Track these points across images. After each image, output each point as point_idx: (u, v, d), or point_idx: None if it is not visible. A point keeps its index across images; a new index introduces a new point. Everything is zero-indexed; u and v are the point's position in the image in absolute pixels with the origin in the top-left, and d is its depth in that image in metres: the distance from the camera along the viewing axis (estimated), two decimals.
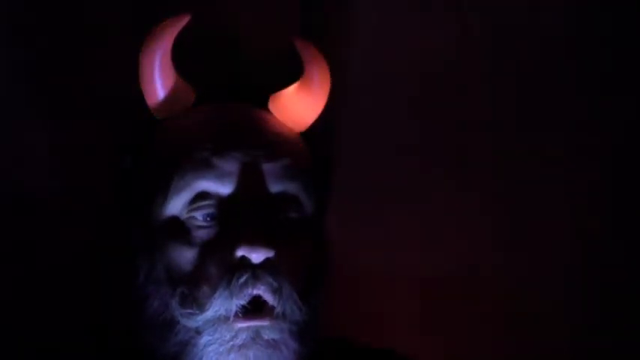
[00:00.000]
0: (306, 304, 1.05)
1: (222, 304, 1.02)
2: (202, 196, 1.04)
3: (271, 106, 1.11)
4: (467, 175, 1.34)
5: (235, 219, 1.03)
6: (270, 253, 1.01)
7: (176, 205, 1.05)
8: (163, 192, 1.05)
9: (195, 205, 1.04)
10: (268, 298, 1.02)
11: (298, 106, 1.10)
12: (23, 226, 1.24)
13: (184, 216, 1.05)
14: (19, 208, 1.24)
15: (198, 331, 1.03)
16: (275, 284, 1.02)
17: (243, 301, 1.02)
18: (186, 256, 1.04)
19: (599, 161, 1.35)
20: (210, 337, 1.03)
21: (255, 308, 1.02)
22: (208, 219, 1.04)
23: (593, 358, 1.35)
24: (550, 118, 1.35)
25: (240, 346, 1.02)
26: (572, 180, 1.35)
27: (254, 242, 1.01)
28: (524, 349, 1.35)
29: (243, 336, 1.02)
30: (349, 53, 1.29)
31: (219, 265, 1.02)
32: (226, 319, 1.02)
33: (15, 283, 1.24)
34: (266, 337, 1.03)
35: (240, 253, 1.01)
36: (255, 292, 1.02)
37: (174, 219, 1.05)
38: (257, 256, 1.01)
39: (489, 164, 1.34)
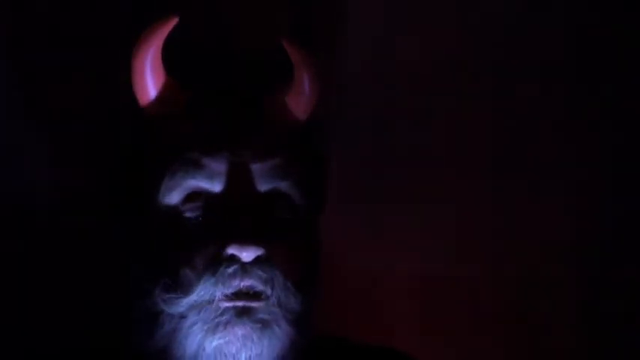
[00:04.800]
0: (302, 294, 1.04)
1: (206, 290, 1.01)
2: (193, 196, 1.04)
3: (263, 106, 1.11)
4: (466, 174, 1.34)
5: (225, 218, 1.03)
6: (259, 251, 1.01)
7: (167, 205, 1.05)
8: (154, 191, 1.05)
9: (186, 206, 1.05)
10: (259, 288, 1.01)
11: (289, 107, 1.10)
12: (23, 226, 1.25)
13: (175, 215, 1.05)
14: (19, 208, 1.25)
15: (182, 316, 1.02)
16: (265, 276, 1.01)
17: (228, 291, 1.00)
18: (174, 253, 1.03)
19: (600, 161, 1.35)
20: (195, 318, 1.01)
21: (244, 293, 1.01)
22: (200, 219, 1.04)
23: (594, 357, 1.35)
24: (550, 118, 1.35)
25: (227, 324, 1.01)
26: (571, 179, 1.35)
27: (244, 241, 1.00)
28: (525, 348, 1.35)
29: (229, 313, 1.01)
30: (342, 52, 1.30)
31: (207, 260, 1.02)
32: (210, 302, 1.01)
33: (13, 283, 1.25)
34: (256, 315, 1.01)
35: (229, 252, 1.01)
36: (244, 284, 1.01)
37: (165, 218, 1.05)
38: (247, 255, 1.01)
39: (489, 163, 1.34)
